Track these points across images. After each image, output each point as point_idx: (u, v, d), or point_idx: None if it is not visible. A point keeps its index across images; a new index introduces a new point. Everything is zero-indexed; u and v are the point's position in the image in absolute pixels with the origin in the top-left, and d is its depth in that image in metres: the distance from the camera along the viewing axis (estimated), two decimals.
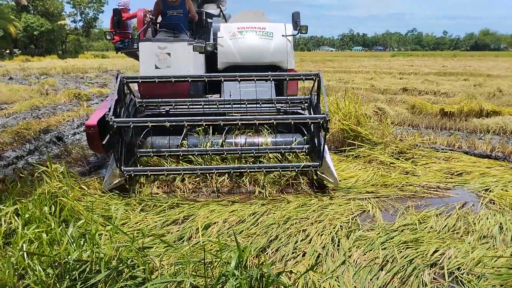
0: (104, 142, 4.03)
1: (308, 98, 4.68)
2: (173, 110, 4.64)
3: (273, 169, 4.23)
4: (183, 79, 4.35)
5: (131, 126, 3.96)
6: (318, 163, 4.09)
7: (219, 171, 4.24)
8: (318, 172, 4.19)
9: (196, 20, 6.29)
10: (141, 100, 4.66)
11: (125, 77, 4.24)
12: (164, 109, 4.66)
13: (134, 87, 4.97)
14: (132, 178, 4.18)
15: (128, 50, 7.01)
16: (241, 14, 6.67)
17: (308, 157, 4.54)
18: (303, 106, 4.76)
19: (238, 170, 4.19)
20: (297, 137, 4.65)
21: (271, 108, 4.73)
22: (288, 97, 4.78)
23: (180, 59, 5.24)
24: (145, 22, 6.21)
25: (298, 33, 5.67)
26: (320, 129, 4.16)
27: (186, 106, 4.66)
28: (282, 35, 5.66)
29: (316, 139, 4.30)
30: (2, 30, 40.01)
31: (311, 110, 4.59)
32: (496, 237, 3.24)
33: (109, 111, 3.75)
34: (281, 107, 4.73)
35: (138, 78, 4.39)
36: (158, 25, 6.29)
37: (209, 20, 6.57)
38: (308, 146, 4.51)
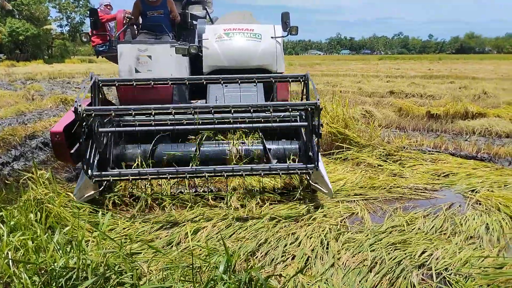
0: (72, 151, 3.67)
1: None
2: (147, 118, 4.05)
3: (261, 171, 3.86)
4: (163, 82, 4.07)
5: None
6: (314, 165, 3.73)
7: (198, 174, 3.75)
8: (311, 182, 3.98)
9: (179, 21, 6.01)
10: (102, 79, 4.10)
11: (101, 79, 3.99)
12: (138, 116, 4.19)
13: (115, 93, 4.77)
14: (108, 188, 3.86)
15: (109, 53, 6.61)
16: (228, 16, 6.41)
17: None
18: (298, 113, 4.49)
19: (223, 169, 3.81)
20: (289, 144, 4.40)
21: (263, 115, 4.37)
22: (285, 102, 4.39)
23: (162, 62, 4.98)
24: (124, 23, 5.97)
25: (288, 34, 5.41)
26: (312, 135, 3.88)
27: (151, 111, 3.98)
28: (271, 37, 5.40)
29: (309, 145, 3.98)
30: None
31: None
32: (482, 237, 3.28)
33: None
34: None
35: (115, 81, 4.13)
36: (140, 26, 6.02)
37: (194, 22, 6.30)
38: (300, 153, 4.26)
